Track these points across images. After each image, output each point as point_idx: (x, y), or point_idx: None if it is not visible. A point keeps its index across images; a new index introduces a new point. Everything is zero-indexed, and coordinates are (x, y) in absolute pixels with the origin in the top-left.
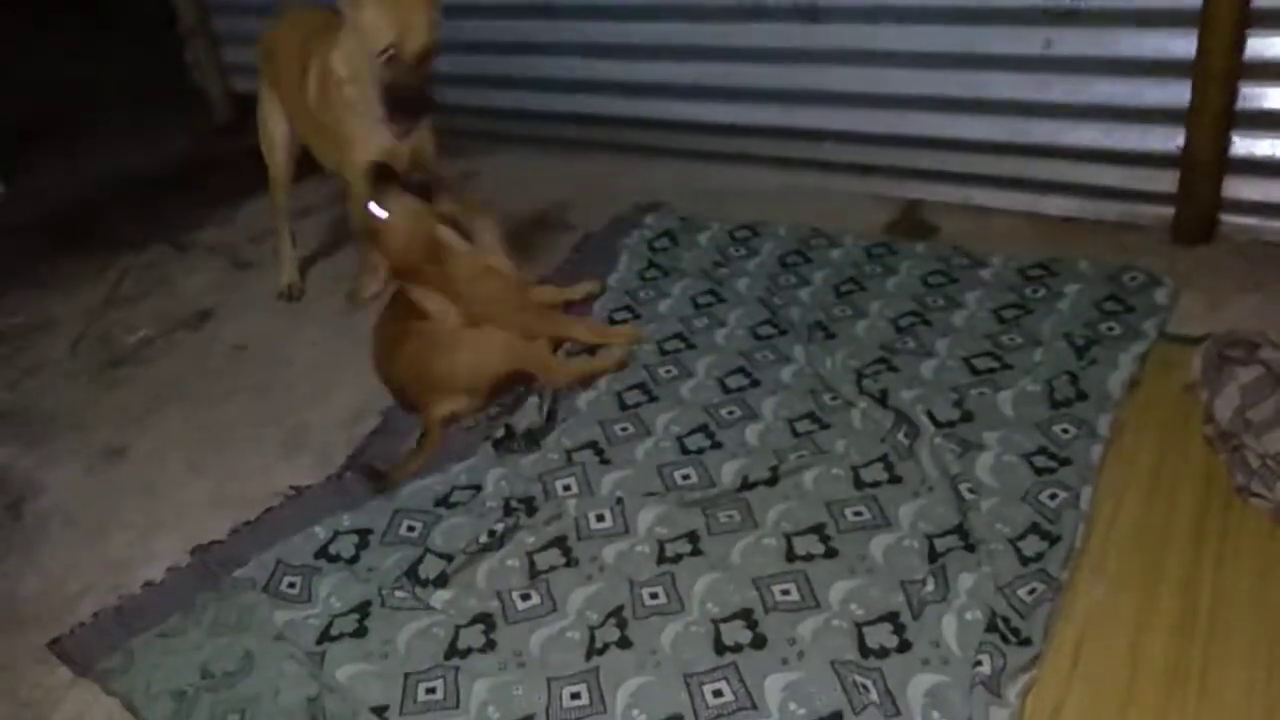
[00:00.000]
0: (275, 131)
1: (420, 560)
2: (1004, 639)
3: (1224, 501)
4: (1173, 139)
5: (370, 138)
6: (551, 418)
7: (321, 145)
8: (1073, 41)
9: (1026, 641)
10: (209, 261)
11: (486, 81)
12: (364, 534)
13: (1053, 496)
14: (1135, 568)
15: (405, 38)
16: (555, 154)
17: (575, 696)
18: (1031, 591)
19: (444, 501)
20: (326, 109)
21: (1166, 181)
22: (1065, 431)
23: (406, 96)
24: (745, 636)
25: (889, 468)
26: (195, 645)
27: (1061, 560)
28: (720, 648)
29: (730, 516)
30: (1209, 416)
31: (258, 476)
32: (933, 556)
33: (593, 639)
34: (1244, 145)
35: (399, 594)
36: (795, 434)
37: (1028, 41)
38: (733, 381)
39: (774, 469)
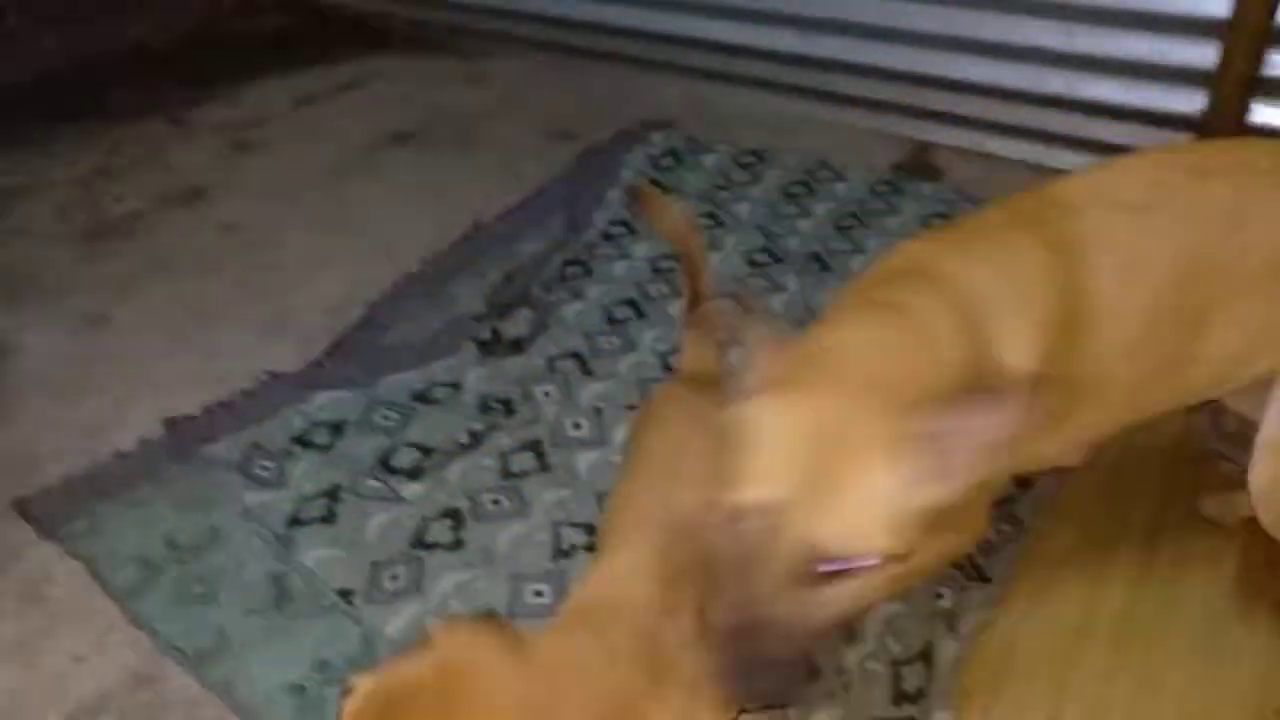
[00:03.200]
0: None
1: (394, 451)
2: (966, 575)
3: (1196, 462)
4: (1193, 101)
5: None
6: (540, 328)
7: None
8: None
9: (987, 579)
10: (207, 140)
11: None
12: (339, 424)
13: None
14: (1101, 518)
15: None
16: (565, 62)
17: (539, 594)
18: (998, 532)
19: (422, 397)
20: None
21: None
22: None
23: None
24: None
25: None
26: (162, 516)
27: (1031, 505)
28: None
29: None
30: None
31: (237, 357)
32: None
33: (559, 541)
34: (1263, 113)
35: (371, 483)
36: None
37: None
38: None
39: None
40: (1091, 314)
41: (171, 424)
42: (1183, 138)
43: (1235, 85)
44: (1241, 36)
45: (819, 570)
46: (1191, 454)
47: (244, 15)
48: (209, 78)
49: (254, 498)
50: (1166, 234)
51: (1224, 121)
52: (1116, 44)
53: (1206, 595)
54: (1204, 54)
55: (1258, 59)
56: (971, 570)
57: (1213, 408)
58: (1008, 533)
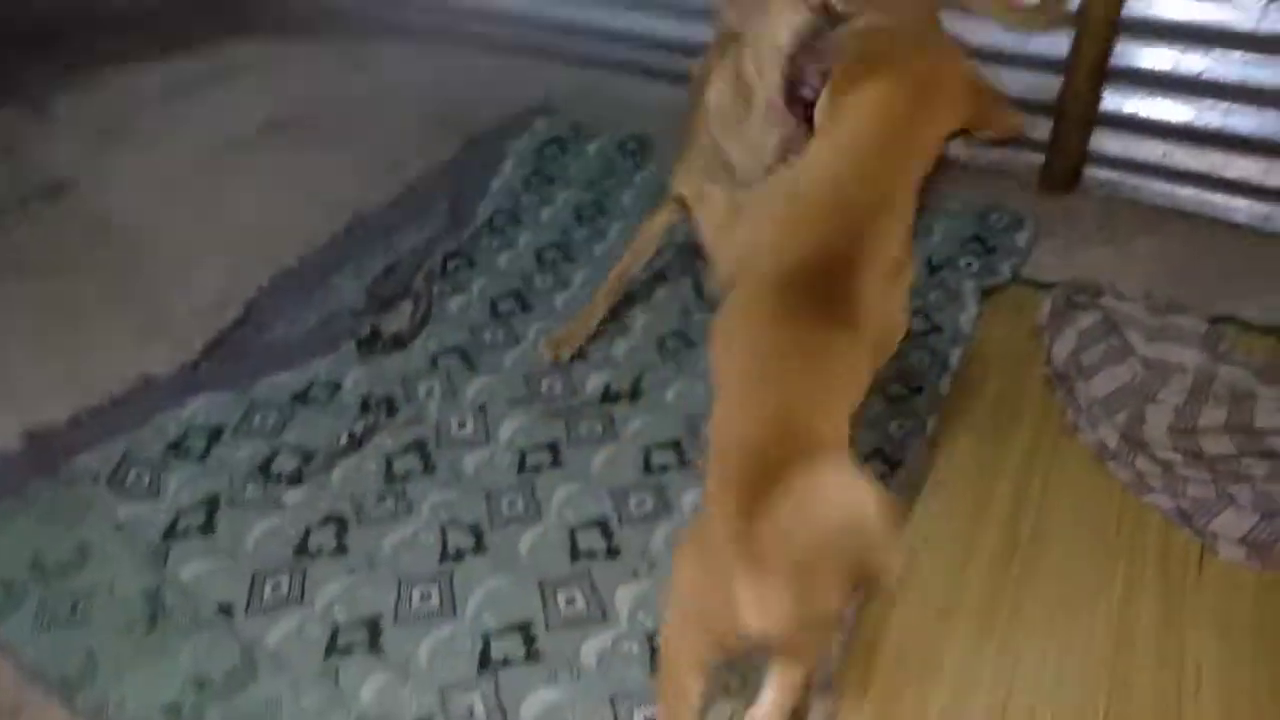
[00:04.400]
0: None
1: (273, 456)
2: None
3: (1054, 438)
4: (1051, 89)
5: None
6: (423, 323)
7: None
8: None
9: None
10: (71, 129)
11: None
12: (217, 429)
13: (900, 426)
14: (967, 497)
15: None
16: (454, 48)
17: (425, 597)
18: None
19: (301, 397)
20: None
21: (1042, 129)
22: (919, 362)
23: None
24: (600, 545)
25: None
26: (25, 534)
27: (902, 484)
28: (575, 555)
29: (591, 428)
30: (1049, 358)
31: (107, 361)
32: None
33: (446, 543)
34: (1113, 101)
35: (250, 490)
36: (663, 350)
37: None
38: None
39: (636, 382)
40: None
41: (34, 436)
42: (1043, 123)
43: (1088, 72)
44: (1088, 27)
45: None
46: (1050, 431)
47: None
48: (72, 58)
49: (126, 511)
50: None
51: (1077, 107)
52: (984, 32)
53: (1062, 572)
54: (1060, 44)
55: (1107, 49)
56: None
57: (1068, 385)
58: None
